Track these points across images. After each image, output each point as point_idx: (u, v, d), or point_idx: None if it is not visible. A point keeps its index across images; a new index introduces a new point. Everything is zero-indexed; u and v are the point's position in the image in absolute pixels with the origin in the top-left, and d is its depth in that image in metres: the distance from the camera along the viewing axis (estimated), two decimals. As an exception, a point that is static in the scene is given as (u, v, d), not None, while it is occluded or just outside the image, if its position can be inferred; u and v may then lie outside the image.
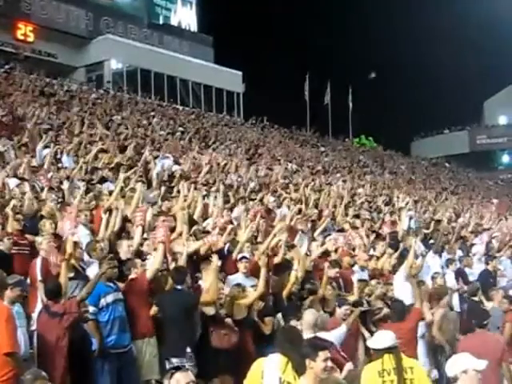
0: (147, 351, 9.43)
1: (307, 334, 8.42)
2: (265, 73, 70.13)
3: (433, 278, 13.30)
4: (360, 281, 12.19)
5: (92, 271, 9.66)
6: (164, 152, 22.16)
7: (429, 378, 8.05)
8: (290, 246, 12.62)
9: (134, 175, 15.95)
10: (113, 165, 17.34)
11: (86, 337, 8.90)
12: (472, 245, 18.16)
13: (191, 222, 12.89)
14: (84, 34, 55.19)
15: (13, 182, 13.25)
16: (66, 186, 13.71)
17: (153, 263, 9.87)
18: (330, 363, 6.64)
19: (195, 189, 15.89)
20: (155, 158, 20.19)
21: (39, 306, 8.98)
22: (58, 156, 17.47)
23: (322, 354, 6.49)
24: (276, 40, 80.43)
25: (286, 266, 11.71)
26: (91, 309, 8.89)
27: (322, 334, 8.79)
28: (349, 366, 8.12)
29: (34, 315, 8.87)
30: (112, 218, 11.45)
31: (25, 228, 10.96)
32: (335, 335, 9.43)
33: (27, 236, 10.72)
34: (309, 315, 9.03)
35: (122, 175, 14.78)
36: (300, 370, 6.61)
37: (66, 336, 8.33)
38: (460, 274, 14.96)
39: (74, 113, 27.13)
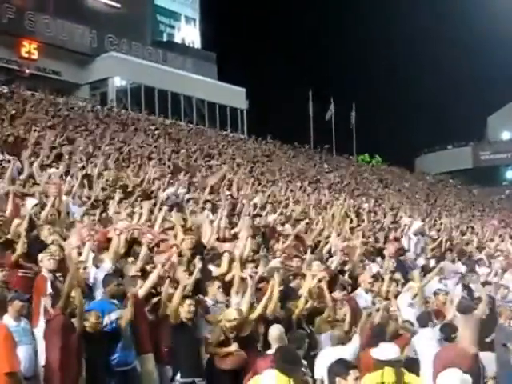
0: (147, 367, 9.43)
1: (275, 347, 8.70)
2: (268, 89, 70.36)
3: (435, 293, 13.25)
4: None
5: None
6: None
7: None
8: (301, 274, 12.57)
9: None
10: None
11: (96, 352, 8.85)
12: (477, 260, 18.14)
13: (198, 247, 12.85)
14: (88, 52, 55.31)
15: (30, 203, 13.16)
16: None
17: (147, 281, 9.93)
18: (359, 382, 6.79)
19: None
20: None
21: (42, 323, 8.96)
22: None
23: (353, 373, 6.61)
24: (279, 57, 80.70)
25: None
26: (106, 319, 8.97)
27: (338, 349, 8.88)
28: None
29: (36, 331, 8.83)
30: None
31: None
32: (349, 350, 9.51)
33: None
34: (274, 330, 9.27)
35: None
36: None
37: (76, 350, 8.39)
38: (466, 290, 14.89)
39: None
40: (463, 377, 7.18)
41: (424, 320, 10.95)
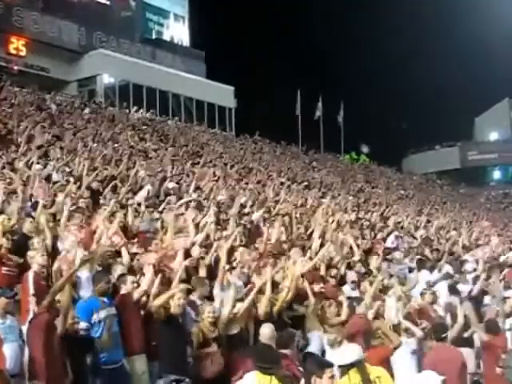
0: (137, 367, 9.38)
1: None
2: (257, 88, 70.22)
3: (422, 294, 13.29)
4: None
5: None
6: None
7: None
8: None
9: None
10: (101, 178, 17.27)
11: (80, 351, 8.85)
12: (463, 261, 18.14)
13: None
14: (76, 49, 55.13)
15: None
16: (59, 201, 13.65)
17: (141, 285, 9.85)
18: (335, 381, 6.74)
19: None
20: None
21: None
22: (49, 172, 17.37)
23: (329, 372, 6.58)
24: (268, 55, 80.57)
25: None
26: (83, 324, 8.86)
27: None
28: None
29: (24, 328, 8.74)
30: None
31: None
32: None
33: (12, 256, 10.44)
34: (266, 329, 9.21)
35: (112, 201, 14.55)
36: None
37: (59, 348, 8.33)
38: (452, 290, 14.91)
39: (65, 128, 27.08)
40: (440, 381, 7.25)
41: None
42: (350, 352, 7.35)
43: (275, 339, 9.16)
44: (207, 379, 9.40)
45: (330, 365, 6.91)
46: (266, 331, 9.20)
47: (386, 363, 9.89)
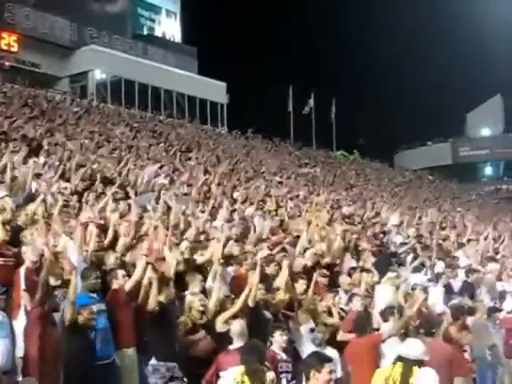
0: (128, 362, 9.42)
1: (238, 343, 8.90)
2: (249, 84, 70.22)
3: (413, 289, 13.32)
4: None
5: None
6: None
7: None
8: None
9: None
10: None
11: (83, 347, 8.84)
12: (454, 257, 18.17)
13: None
14: (68, 44, 55.13)
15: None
16: (49, 197, 13.61)
17: (133, 275, 9.88)
18: (334, 376, 6.86)
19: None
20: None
21: (22, 316, 8.97)
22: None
23: (328, 366, 6.66)
24: (260, 51, 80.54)
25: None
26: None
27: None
28: None
29: (16, 324, 8.80)
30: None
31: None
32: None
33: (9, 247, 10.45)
34: (236, 325, 9.29)
35: (109, 193, 14.60)
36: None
37: (54, 344, 8.37)
38: (447, 288, 14.95)
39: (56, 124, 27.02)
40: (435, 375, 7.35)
41: (386, 315, 10.99)
42: (414, 347, 7.46)
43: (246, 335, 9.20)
44: (198, 359, 9.43)
45: (330, 359, 7.00)
46: (237, 327, 9.26)
47: (375, 350, 10.04)
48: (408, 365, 7.29)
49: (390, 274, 13.25)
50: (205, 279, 10.87)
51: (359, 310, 11.60)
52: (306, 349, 9.76)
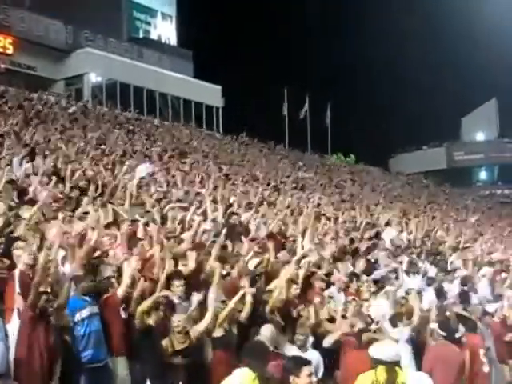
0: (120, 369, 9.38)
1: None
2: (244, 87, 70.27)
3: (406, 293, 13.29)
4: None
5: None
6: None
7: None
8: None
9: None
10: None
11: (67, 350, 8.79)
12: (449, 261, 18.16)
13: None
14: (63, 47, 54.94)
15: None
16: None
17: (122, 281, 9.83)
18: (314, 379, 6.75)
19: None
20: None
21: (15, 319, 8.90)
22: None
23: (306, 370, 6.59)
24: (255, 55, 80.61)
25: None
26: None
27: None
28: None
29: (9, 327, 8.72)
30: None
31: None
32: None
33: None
34: (266, 330, 9.20)
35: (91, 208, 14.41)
36: None
37: (44, 347, 8.32)
38: (439, 292, 14.92)
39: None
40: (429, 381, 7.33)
41: (393, 321, 10.98)
42: (389, 350, 7.36)
43: (273, 340, 9.15)
44: None
45: (308, 362, 6.92)
46: (267, 332, 9.20)
47: None
48: (389, 367, 7.17)
49: (388, 288, 13.15)
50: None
51: None
52: (288, 351, 9.65)
